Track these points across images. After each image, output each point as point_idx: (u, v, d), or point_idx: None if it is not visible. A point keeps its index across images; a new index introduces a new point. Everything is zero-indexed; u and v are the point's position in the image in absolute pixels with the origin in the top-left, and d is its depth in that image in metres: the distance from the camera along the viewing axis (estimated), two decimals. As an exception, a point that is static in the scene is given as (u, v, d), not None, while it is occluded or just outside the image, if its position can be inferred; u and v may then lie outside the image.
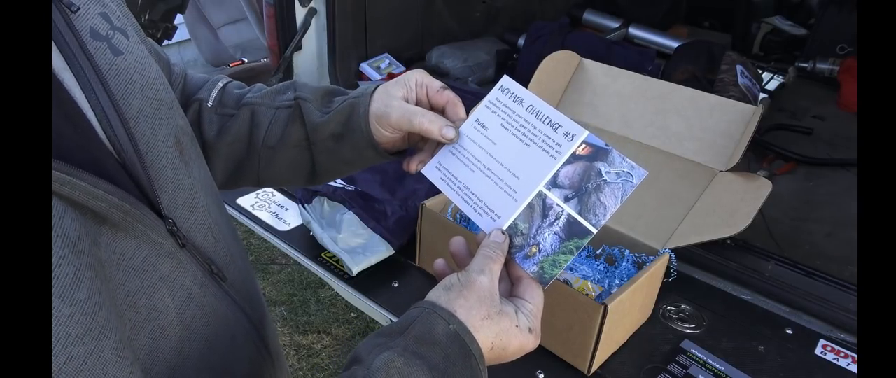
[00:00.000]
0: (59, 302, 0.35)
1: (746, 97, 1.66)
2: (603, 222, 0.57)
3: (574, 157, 0.58)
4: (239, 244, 0.62)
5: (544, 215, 0.58)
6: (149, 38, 0.61)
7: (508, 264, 0.59)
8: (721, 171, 1.12)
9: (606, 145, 0.59)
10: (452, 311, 0.52)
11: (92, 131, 0.45)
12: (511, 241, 0.59)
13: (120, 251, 0.44)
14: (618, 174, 0.58)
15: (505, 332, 0.53)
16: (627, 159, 0.58)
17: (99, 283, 0.39)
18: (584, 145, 0.58)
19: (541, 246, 0.58)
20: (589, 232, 0.57)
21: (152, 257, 0.47)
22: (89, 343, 0.37)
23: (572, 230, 0.57)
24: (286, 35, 1.65)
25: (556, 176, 0.58)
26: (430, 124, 0.61)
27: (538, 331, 0.56)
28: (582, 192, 0.58)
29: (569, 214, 0.57)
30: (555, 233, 0.57)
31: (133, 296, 0.45)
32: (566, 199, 0.58)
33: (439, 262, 0.60)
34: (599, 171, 0.58)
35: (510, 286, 0.59)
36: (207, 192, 0.57)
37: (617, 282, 1.04)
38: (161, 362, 0.47)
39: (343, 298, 2.18)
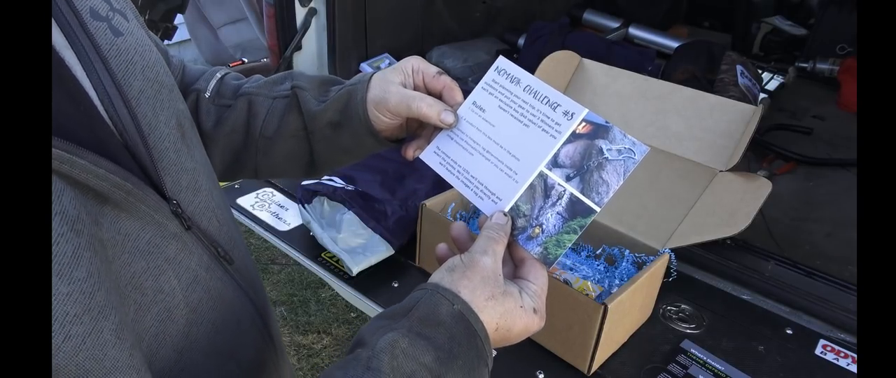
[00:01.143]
0: (58, 280, 0.35)
1: (746, 97, 1.66)
2: (606, 200, 0.56)
3: (574, 136, 0.58)
4: (238, 230, 0.62)
5: (546, 196, 0.58)
6: (146, 27, 0.61)
7: (511, 246, 0.59)
8: (721, 171, 1.12)
9: (607, 122, 0.58)
10: (456, 291, 0.51)
11: (94, 110, 0.44)
12: (514, 223, 0.58)
13: (124, 232, 0.44)
14: (619, 151, 0.57)
15: (509, 312, 0.53)
16: (628, 136, 0.57)
17: (99, 262, 0.39)
18: (584, 123, 0.58)
19: (544, 226, 0.57)
20: (592, 210, 0.57)
21: (157, 239, 0.46)
22: (87, 323, 0.37)
23: (575, 209, 0.57)
24: (286, 35, 1.65)
25: (556, 155, 0.58)
26: (428, 109, 0.61)
27: (543, 312, 0.56)
28: (583, 170, 0.57)
29: (571, 194, 0.57)
30: (557, 213, 0.57)
31: (138, 277, 0.44)
32: (568, 179, 0.57)
33: (441, 247, 0.60)
34: (600, 149, 0.57)
35: (514, 268, 0.59)
36: (208, 177, 0.57)
37: (617, 282, 1.04)
38: (168, 345, 0.47)
39: (343, 298, 2.18)
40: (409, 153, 0.65)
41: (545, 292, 0.56)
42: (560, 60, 1.34)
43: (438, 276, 0.53)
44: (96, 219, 0.41)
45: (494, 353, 0.54)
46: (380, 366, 0.46)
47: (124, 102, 0.46)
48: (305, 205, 1.26)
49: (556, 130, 0.58)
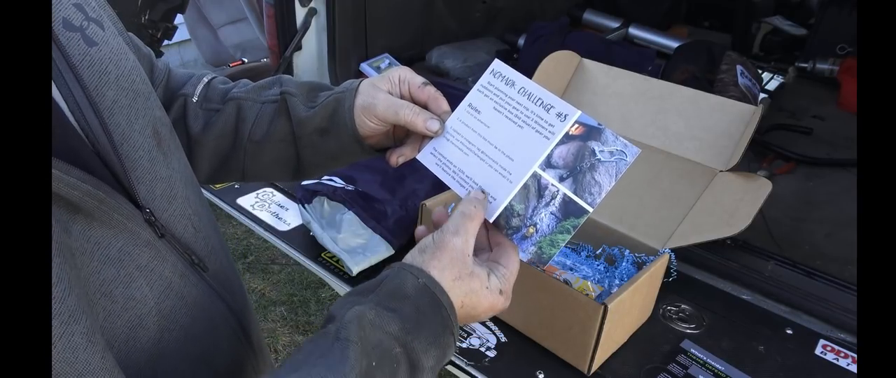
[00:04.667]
0: None
1: (746, 97, 1.66)
2: (599, 201, 0.58)
3: (567, 138, 0.59)
4: (219, 236, 0.63)
5: (539, 196, 0.58)
6: (129, 33, 0.62)
7: (489, 232, 0.61)
8: (721, 171, 1.12)
9: (599, 124, 0.59)
10: (426, 270, 0.54)
11: (66, 121, 0.45)
12: (508, 223, 0.59)
13: (94, 241, 0.44)
14: (611, 153, 0.58)
15: (475, 292, 0.55)
16: (620, 138, 0.59)
17: (68, 268, 0.39)
18: (576, 125, 0.59)
19: (538, 226, 0.58)
20: (585, 210, 0.58)
21: (129, 247, 0.47)
22: (58, 327, 0.37)
23: (568, 209, 0.58)
24: (286, 35, 1.65)
25: (550, 156, 0.59)
26: (414, 117, 0.62)
27: (509, 293, 0.58)
28: (576, 171, 0.58)
29: (564, 194, 0.58)
30: (551, 213, 0.58)
31: (108, 285, 0.45)
32: (561, 179, 0.58)
33: (421, 230, 0.62)
34: (593, 151, 0.58)
35: (489, 252, 0.61)
36: (187, 184, 0.57)
37: (617, 282, 1.04)
38: (138, 351, 0.47)
39: (343, 298, 2.18)
40: (393, 160, 0.67)
41: (514, 276, 0.59)
42: (560, 60, 1.34)
43: (410, 257, 0.56)
44: (66, 227, 0.41)
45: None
46: (348, 335, 0.48)
47: (96, 113, 0.47)
48: (305, 205, 1.26)
49: (550, 131, 0.59)
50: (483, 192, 0.59)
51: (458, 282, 0.54)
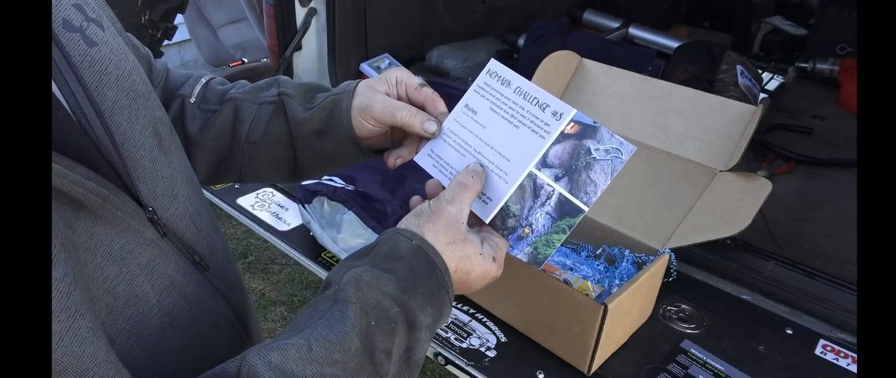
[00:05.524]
0: None
1: (746, 97, 1.66)
2: (594, 200, 0.58)
3: (563, 136, 0.58)
4: (220, 235, 0.63)
5: (535, 196, 0.58)
6: (127, 33, 0.62)
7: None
8: (721, 171, 1.12)
9: (595, 122, 0.59)
10: (420, 234, 0.55)
11: (70, 119, 0.45)
12: (504, 223, 0.59)
13: (97, 238, 0.44)
14: (607, 151, 0.58)
15: (468, 257, 0.56)
16: (616, 135, 0.58)
17: (73, 264, 0.40)
18: (572, 124, 0.58)
19: (533, 226, 0.58)
20: (580, 210, 0.58)
21: (131, 245, 0.47)
22: (65, 321, 0.37)
23: (564, 209, 0.58)
24: (286, 35, 1.65)
25: (545, 156, 0.58)
26: (411, 118, 0.62)
27: (501, 262, 0.59)
28: (572, 170, 0.58)
29: (560, 194, 0.58)
30: (547, 213, 0.58)
31: (111, 281, 0.45)
32: (556, 179, 0.58)
33: (415, 199, 0.63)
34: (588, 149, 0.58)
35: (480, 226, 0.62)
36: (188, 183, 0.57)
37: (617, 282, 1.04)
38: (139, 348, 0.47)
39: (343, 298, 2.17)
40: (390, 161, 0.67)
41: (506, 247, 0.60)
42: (560, 60, 1.34)
43: (405, 221, 0.57)
44: (70, 223, 0.42)
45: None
46: (346, 296, 0.48)
47: (97, 113, 0.47)
48: (305, 205, 1.26)
49: (545, 131, 0.59)
50: (481, 166, 0.60)
51: (453, 246, 0.55)
